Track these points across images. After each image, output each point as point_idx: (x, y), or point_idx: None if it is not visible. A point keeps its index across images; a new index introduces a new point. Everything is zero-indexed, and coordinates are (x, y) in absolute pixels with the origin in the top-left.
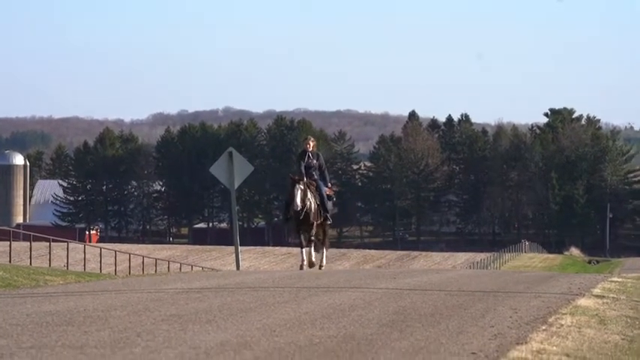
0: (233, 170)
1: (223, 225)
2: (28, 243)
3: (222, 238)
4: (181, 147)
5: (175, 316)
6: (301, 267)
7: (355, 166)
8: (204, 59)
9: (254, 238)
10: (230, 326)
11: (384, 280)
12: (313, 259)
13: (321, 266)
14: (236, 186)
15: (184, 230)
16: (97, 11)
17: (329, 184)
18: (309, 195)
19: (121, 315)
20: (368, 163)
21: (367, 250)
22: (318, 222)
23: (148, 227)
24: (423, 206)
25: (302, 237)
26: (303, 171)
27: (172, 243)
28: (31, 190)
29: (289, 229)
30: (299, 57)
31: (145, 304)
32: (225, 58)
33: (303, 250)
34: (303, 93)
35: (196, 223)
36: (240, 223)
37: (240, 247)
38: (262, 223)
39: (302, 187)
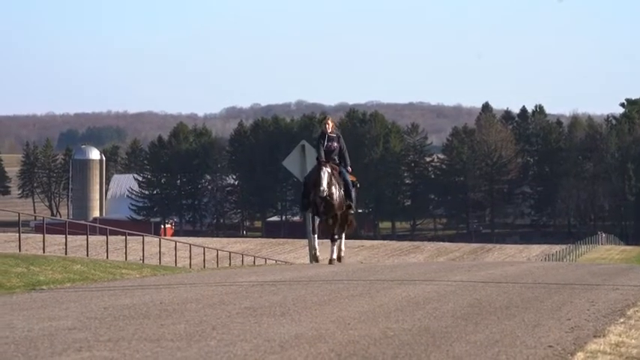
0: (306, 163)
1: (296, 218)
2: (105, 237)
3: (295, 231)
4: (254, 140)
5: (250, 309)
6: (314, 259)
7: (428, 159)
8: (275, 53)
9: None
10: (304, 319)
11: (458, 272)
12: (334, 255)
13: (340, 257)
14: None
15: (258, 223)
16: (170, 9)
17: (349, 168)
18: (334, 181)
19: (197, 308)
20: (441, 156)
21: (441, 243)
22: (340, 212)
23: (221, 221)
24: (496, 198)
25: (315, 225)
26: (323, 155)
27: (246, 236)
28: (107, 184)
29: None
30: (371, 50)
31: (220, 297)
32: (297, 51)
33: (315, 237)
34: (376, 85)
35: (269, 217)
36: None
37: None
38: None
39: (329, 171)
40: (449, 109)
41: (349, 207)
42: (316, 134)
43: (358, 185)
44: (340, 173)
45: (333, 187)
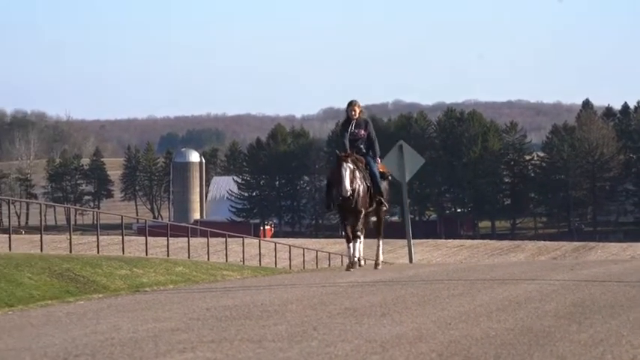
0: (404, 163)
1: (395, 218)
2: (206, 239)
3: (393, 232)
4: None
5: (350, 310)
6: (348, 267)
7: (528, 157)
8: (373, 53)
9: (426, 230)
10: (405, 319)
11: (561, 271)
12: (357, 256)
13: (377, 264)
14: (407, 179)
15: None
16: (267, 11)
17: (379, 159)
18: (357, 174)
19: (297, 309)
20: (541, 154)
21: (542, 242)
22: (370, 209)
23: (320, 222)
24: (598, 196)
25: (348, 229)
26: (348, 144)
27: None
28: (207, 186)
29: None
30: (468, 48)
31: (320, 297)
32: (394, 51)
33: (351, 245)
34: (474, 84)
35: None
36: (412, 216)
37: (412, 240)
38: (434, 215)
39: (351, 167)
40: (548, 106)
41: (380, 203)
42: (340, 120)
43: (390, 177)
44: (367, 165)
45: (357, 183)
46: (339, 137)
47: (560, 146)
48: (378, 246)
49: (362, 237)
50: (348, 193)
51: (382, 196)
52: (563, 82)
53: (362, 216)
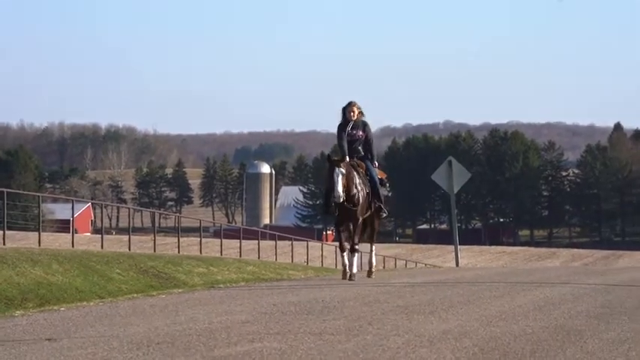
0: (452, 177)
1: (444, 226)
2: (274, 241)
3: (442, 238)
4: (406, 156)
5: (402, 307)
6: (344, 275)
7: (564, 173)
8: (426, 76)
9: (471, 237)
10: (451, 317)
11: (592, 276)
12: (354, 271)
13: (370, 272)
14: (455, 191)
15: (409, 231)
16: (326, 38)
17: (376, 163)
18: (357, 180)
19: (354, 305)
20: (576, 170)
21: (575, 249)
22: (366, 215)
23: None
24: (627, 209)
25: (342, 236)
26: (346, 147)
27: (398, 242)
28: (276, 195)
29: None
30: (513, 73)
31: (375, 296)
32: (445, 75)
33: (345, 255)
34: (516, 106)
35: (419, 225)
36: (459, 224)
37: (459, 246)
38: (479, 224)
39: (343, 171)
40: (583, 128)
41: (379, 209)
42: (338, 122)
43: (388, 185)
44: (367, 170)
45: (355, 188)
46: (337, 140)
47: (593, 164)
48: (371, 252)
49: (359, 251)
50: (342, 199)
51: (381, 202)
52: (597, 107)
53: (359, 223)
